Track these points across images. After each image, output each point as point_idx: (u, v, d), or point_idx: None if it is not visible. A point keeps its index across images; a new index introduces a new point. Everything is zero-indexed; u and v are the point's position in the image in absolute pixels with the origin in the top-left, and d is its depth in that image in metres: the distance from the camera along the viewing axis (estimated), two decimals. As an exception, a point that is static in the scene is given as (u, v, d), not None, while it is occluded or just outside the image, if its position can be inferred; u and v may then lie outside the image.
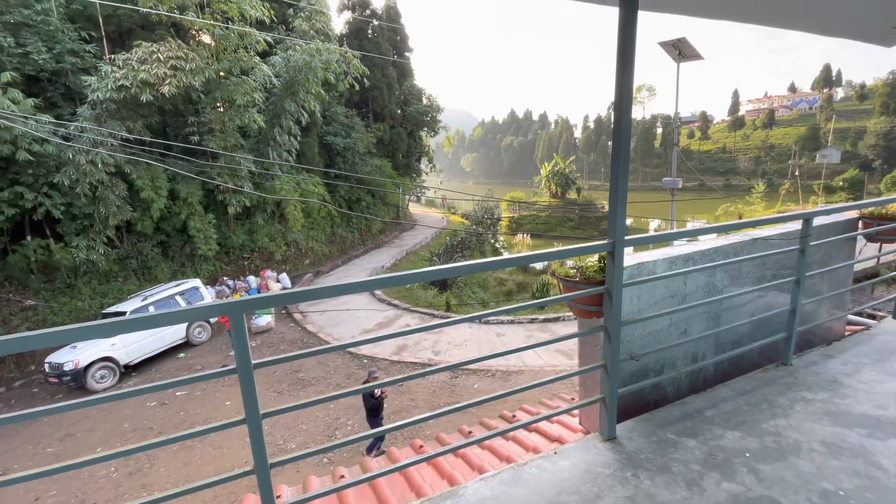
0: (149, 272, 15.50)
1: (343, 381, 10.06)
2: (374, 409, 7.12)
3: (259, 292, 16.42)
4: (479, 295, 18.09)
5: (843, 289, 3.46)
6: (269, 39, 16.64)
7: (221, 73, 15.70)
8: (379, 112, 28.32)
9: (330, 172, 23.05)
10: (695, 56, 11.99)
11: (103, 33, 14.58)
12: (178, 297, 12.57)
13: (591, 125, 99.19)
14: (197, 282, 13.55)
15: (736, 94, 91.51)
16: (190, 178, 15.00)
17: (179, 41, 14.69)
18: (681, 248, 2.87)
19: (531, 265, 29.30)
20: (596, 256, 2.28)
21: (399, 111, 29.78)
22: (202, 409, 9.38)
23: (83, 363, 10.43)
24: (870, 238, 3.50)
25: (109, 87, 13.11)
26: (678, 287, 2.72)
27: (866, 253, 6.17)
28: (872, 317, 4.07)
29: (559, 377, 2.22)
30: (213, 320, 13.37)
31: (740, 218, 40.78)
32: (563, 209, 42.95)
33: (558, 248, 1.93)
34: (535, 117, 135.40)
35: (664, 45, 11.72)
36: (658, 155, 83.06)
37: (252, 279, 16.73)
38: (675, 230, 2.29)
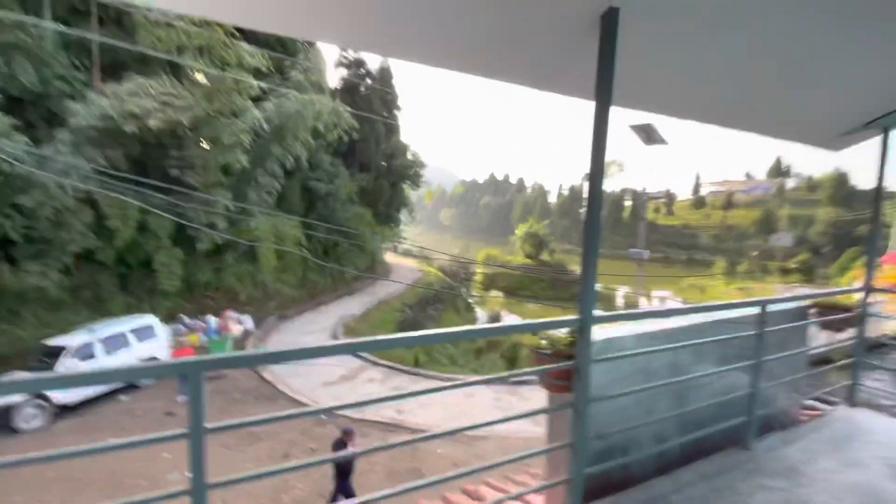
0: (102, 305, 14.63)
1: (297, 437, 9.42)
2: (345, 472, 6.54)
3: (219, 334, 15.63)
4: (448, 350, 17.76)
5: (798, 374, 3.59)
6: (264, 86, 17.18)
7: (211, 113, 15.94)
8: (365, 163, 29.03)
9: (309, 216, 23.07)
10: (660, 141, 13.04)
11: (97, 63, 14.75)
12: (129, 334, 11.82)
13: (566, 192, 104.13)
14: (152, 319, 12.85)
15: (697, 177, 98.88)
16: (162, 210, 14.66)
17: (173, 78, 14.98)
18: (648, 325, 2.96)
19: (501, 321, 29.24)
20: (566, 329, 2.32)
21: (384, 163, 30.63)
22: (137, 461, 8.51)
23: (11, 400, 9.45)
24: (822, 326, 3.69)
25: (94, 114, 13.07)
26: (644, 363, 2.77)
27: (819, 340, 6.49)
28: (827, 402, 4.20)
29: (526, 455, 2.16)
30: (164, 357, 12.54)
31: (703, 291, 42.51)
32: (535, 270, 43.76)
33: (529, 321, 1.96)
34: (513, 181, 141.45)
35: (634, 128, 12.75)
36: (626, 225, 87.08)
37: (212, 319, 15.98)
38: (644, 310, 2.37)
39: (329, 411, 1.69)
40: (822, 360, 7.08)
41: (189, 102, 14.70)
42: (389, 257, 34.91)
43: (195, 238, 16.09)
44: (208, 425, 1.36)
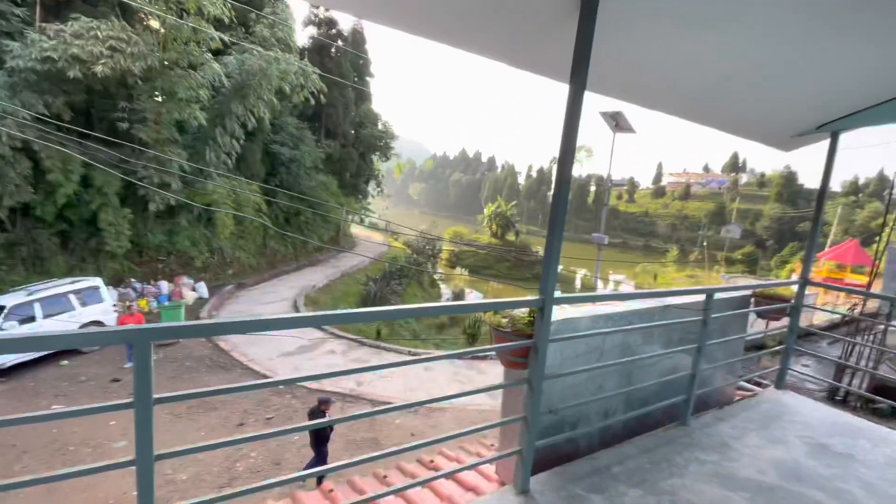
0: (41, 264, 13.64)
1: (253, 406, 9.32)
2: (322, 439, 6.59)
3: (170, 300, 15.01)
4: (410, 325, 17.89)
5: (735, 358, 3.87)
6: (226, 39, 16.05)
7: (166, 63, 14.77)
8: (332, 129, 28.02)
9: (270, 182, 22.17)
10: (629, 129, 13.32)
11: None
12: (72, 297, 11.13)
13: (534, 174, 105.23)
14: (97, 281, 12.12)
15: (660, 167, 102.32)
16: (108, 165, 13.65)
17: (124, 22, 13.71)
18: (602, 307, 3.08)
19: (465, 298, 29.69)
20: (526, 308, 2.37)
21: (353, 132, 29.68)
22: (80, 426, 8.17)
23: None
24: (759, 315, 3.97)
25: (34, 56, 11.82)
26: (597, 343, 2.91)
27: (757, 328, 7.03)
28: (759, 384, 4.58)
29: (480, 428, 2.23)
30: (109, 322, 11.93)
31: (655, 277, 44.71)
32: (501, 250, 44.43)
33: (491, 300, 1.99)
34: (484, 159, 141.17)
35: (604, 115, 12.94)
36: (589, 210, 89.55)
37: (164, 284, 15.30)
38: (601, 293, 2.44)
39: (288, 383, 1.67)
40: (758, 345, 7.71)
41: (142, 49, 13.53)
42: (355, 229, 34.31)
43: (147, 198, 15.14)
44: (156, 395, 1.31)
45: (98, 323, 11.53)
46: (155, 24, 14.92)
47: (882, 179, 75.24)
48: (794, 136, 3.74)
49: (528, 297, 2.15)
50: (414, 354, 12.48)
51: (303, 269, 21.83)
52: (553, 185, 2.07)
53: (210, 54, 15.75)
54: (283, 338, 13.01)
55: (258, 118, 18.09)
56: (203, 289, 15.99)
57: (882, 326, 6.74)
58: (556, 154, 2.06)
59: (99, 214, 14.30)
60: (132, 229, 15.13)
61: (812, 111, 3.34)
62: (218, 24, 15.98)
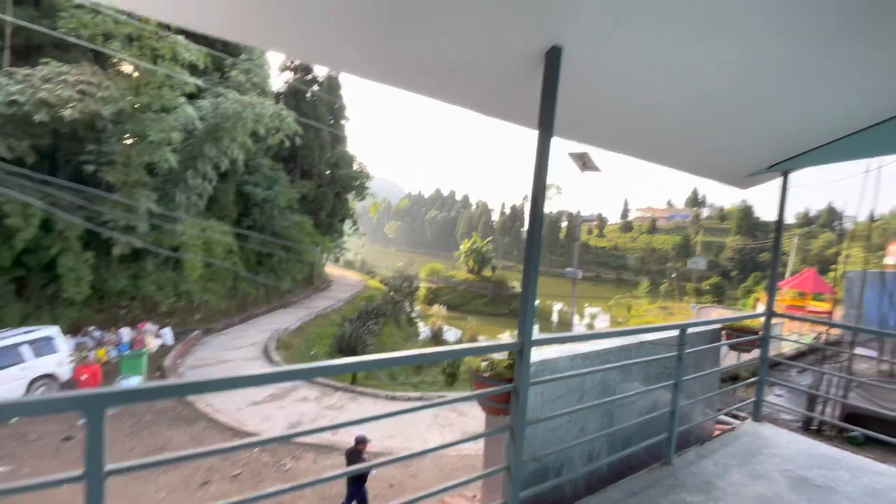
0: (-9, 313, 12.76)
1: (218, 462, 8.68)
2: (360, 478, 6.37)
3: (132, 348, 14.18)
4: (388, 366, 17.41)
5: (712, 391, 3.91)
6: (200, 83, 16.19)
7: (137, 107, 14.70)
8: (307, 170, 28.14)
9: (243, 222, 21.85)
10: (595, 168, 13.93)
11: (8, 44, 13.15)
12: (24, 347, 10.38)
13: (508, 211, 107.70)
14: (53, 330, 11.38)
15: (626, 203, 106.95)
16: (70, 210, 13.20)
17: (96, 67, 13.68)
18: (580, 345, 3.08)
19: (444, 336, 29.31)
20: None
21: (328, 172, 29.89)
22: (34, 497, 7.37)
23: None
24: (731, 347, 4.06)
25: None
26: (578, 383, 2.89)
27: (729, 359, 7.18)
28: (736, 417, 4.61)
29: (463, 482, 2.13)
30: (64, 375, 11.13)
31: (629, 309, 45.50)
32: (478, 285, 44.57)
33: (469, 345, 1.95)
34: (459, 197, 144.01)
35: (572, 155, 13.53)
36: (562, 245, 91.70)
37: (126, 332, 14.49)
38: (579, 333, 2.45)
39: (267, 443, 1.56)
40: (732, 376, 7.84)
41: (113, 93, 13.45)
42: (330, 269, 33.83)
43: (111, 241, 14.59)
44: (109, 467, 1.20)
45: (51, 376, 10.72)
46: (129, 68, 14.95)
47: (831, 211, 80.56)
48: (749, 175, 3.98)
49: (507, 341, 2.13)
50: (392, 398, 12.06)
51: (275, 311, 21.18)
52: (527, 227, 2.11)
53: (184, 98, 15.80)
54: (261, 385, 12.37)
55: (232, 160, 18.02)
56: (168, 335, 15.22)
57: (848, 352, 7.00)
58: (529, 192, 2.11)
59: (59, 259, 13.64)
60: (94, 274, 14.45)
61: (764, 152, 3.57)
62: (193, 69, 16.15)
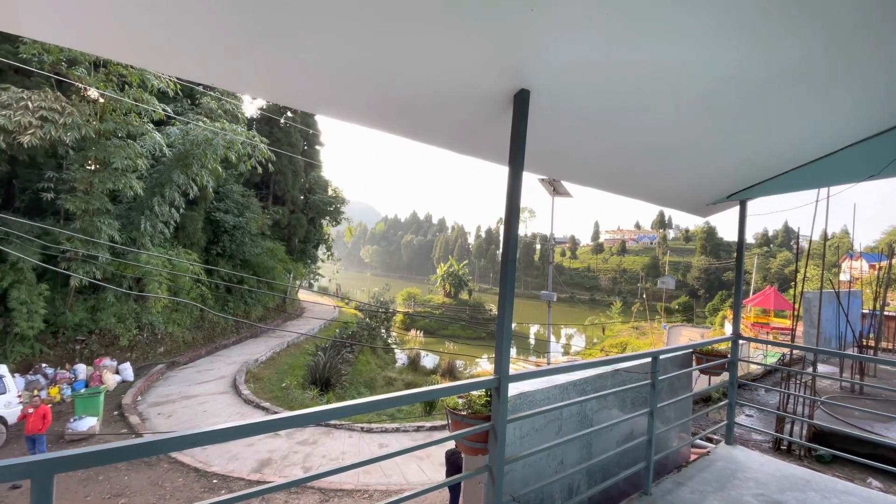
0: (-72, 352, 11.77)
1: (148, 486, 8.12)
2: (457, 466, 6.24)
3: (88, 385, 13.30)
4: (364, 396, 16.92)
5: (686, 416, 3.96)
6: (169, 110, 15.93)
7: (101, 133, 14.28)
8: (280, 196, 27.80)
9: (212, 250, 21.24)
10: (566, 194, 14.32)
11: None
12: (-36, 390, 9.58)
13: (483, 234, 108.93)
14: (1, 369, 10.57)
15: (596, 225, 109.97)
16: (27, 239, 12.52)
17: (59, 93, 13.28)
18: (558, 376, 3.08)
19: (421, 363, 28.83)
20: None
21: (302, 197, 29.59)
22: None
23: None
24: (702, 371, 4.15)
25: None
26: (556, 415, 2.87)
27: (701, 382, 7.33)
28: (710, 440, 4.67)
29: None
30: (12, 417, 10.30)
31: (604, 330, 46.15)
32: (455, 309, 44.41)
33: (446, 385, 1.92)
34: (435, 220, 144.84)
35: (542, 181, 13.86)
36: (536, 267, 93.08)
37: (82, 368, 13.62)
38: (554, 367, 2.47)
39: (315, 479, 1.47)
40: (704, 398, 7.99)
41: (76, 120, 13.04)
42: (303, 295, 33.06)
43: (69, 272, 13.85)
44: (51, 543, 1.09)
45: (-5, 418, 9.91)
46: (94, 94, 14.58)
47: (787, 231, 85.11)
48: (709, 204, 4.17)
49: (484, 378, 2.11)
50: (368, 430, 11.67)
51: (244, 341, 20.41)
52: (500, 263, 2.13)
53: (152, 124, 15.47)
54: (217, 418, 11.78)
55: (201, 186, 17.62)
56: (128, 371, 14.37)
57: (810, 372, 7.27)
58: (502, 216, 2.14)
59: (10, 292, 12.80)
60: (48, 307, 13.61)
61: (723, 183, 3.76)
62: (162, 95, 15.89)
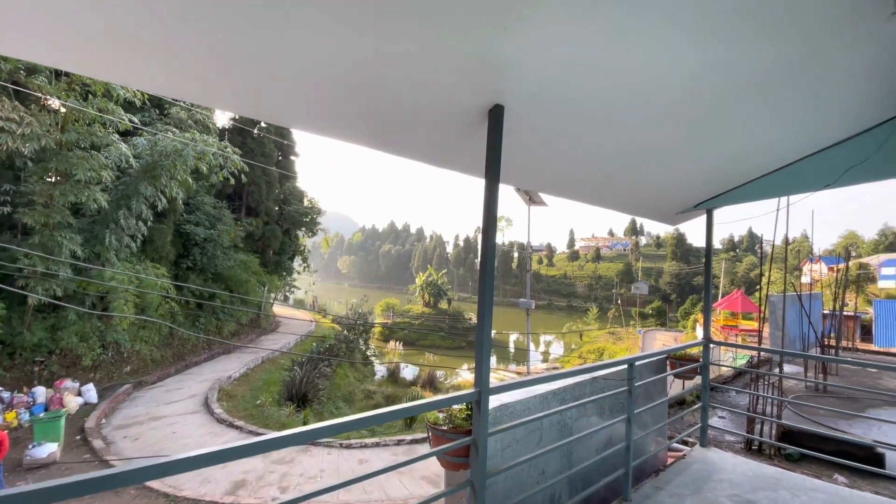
0: None
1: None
2: None
3: (47, 409, 12.56)
4: (343, 411, 16.59)
5: (662, 420, 4.04)
6: (136, 120, 15.46)
7: (63, 144, 13.71)
8: (254, 207, 27.24)
9: (182, 264, 20.58)
10: (541, 203, 14.56)
11: None
12: None
13: (461, 243, 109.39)
14: (-53, 396, 9.88)
15: (572, 233, 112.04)
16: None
17: (16, 103, 12.71)
18: (537, 386, 3.10)
19: (401, 375, 28.51)
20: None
21: (277, 209, 29.07)
22: None
23: None
24: (676, 375, 4.25)
25: None
26: (536, 425, 2.88)
27: (675, 385, 7.51)
28: (685, 443, 4.77)
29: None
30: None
31: (581, 336, 46.82)
32: (435, 318, 44.25)
33: (427, 400, 1.91)
34: (413, 230, 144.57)
35: (519, 191, 14.06)
36: (515, 275, 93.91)
37: (41, 391, 12.87)
38: (535, 376, 2.48)
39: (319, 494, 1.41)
40: (679, 401, 8.19)
41: (35, 130, 12.48)
42: (279, 309, 32.31)
43: (26, 288, 13.13)
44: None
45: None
46: (56, 104, 14.01)
47: (752, 236, 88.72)
48: (677, 213, 4.32)
49: (464, 392, 2.10)
50: (346, 446, 11.42)
51: (217, 357, 19.74)
52: (479, 275, 2.13)
53: (118, 135, 14.96)
54: (188, 439, 11.32)
55: (170, 198, 17.09)
56: (91, 392, 13.66)
57: (777, 373, 7.55)
58: (480, 225, 2.15)
59: (-41, 313, 12.05)
60: (4, 327, 12.85)
61: (690, 193, 3.91)
62: (129, 105, 15.41)
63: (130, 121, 14.92)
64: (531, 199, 14.12)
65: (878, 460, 4.48)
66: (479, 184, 2.27)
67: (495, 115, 2.03)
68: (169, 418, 12.65)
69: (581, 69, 1.83)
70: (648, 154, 2.91)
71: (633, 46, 1.72)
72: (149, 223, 16.78)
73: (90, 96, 13.90)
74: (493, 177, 2.12)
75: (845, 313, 14.71)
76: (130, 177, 15.96)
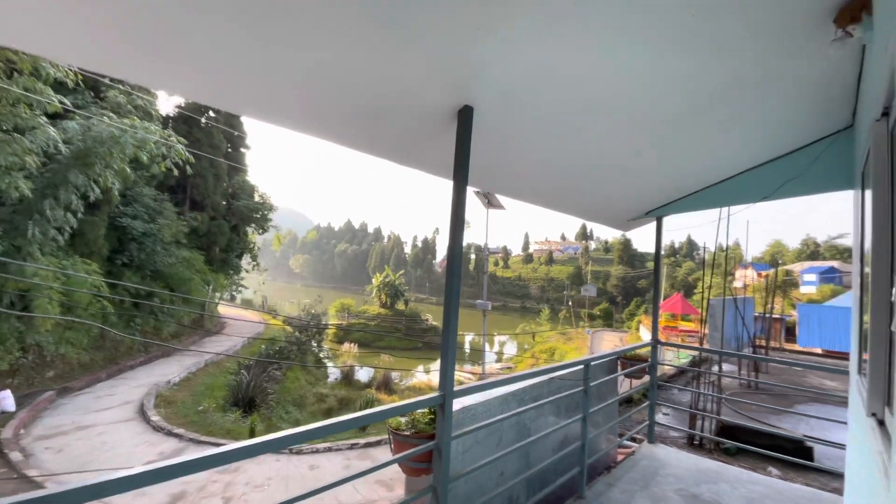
0: None
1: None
2: None
3: (-49, 421, 11.18)
4: (293, 416, 16.00)
5: (613, 419, 4.20)
6: (67, 103, 14.14)
7: (-22, 124, 12.30)
8: (199, 201, 25.74)
9: (117, 259, 19.07)
10: (499, 206, 14.82)
11: None
12: None
13: (420, 244, 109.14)
14: None
15: (527, 236, 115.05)
16: None
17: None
18: (498, 388, 3.12)
19: (356, 377, 27.96)
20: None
21: (224, 203, 27.64)
22: None
23: None
24: (627, 375, 4.43)
25: None
26: (496, 426, 2.90)
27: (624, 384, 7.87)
28: (634, 440, 4.99)
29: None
30: None
31: (534, 336, 48.08)
32: (392, 319, 43.81)
33: (390, 406, 1.85)
34: (370, 230, 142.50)
35: (478, 194, 14.24)
36: (472, 277, 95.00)
37: (-56, 401, 11.46)
38: (498, 378, 2.48)
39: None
40: (627, 400, 8.59)
41: (-58, 108, 11.11)
42: (225, 309, 30.70)
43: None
44: None
45: None
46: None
47: (691, 243, 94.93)
48: (629, 220, 4.52)
49: (429, 396, 2.06)
50: (297, 451, 11.01)
51: (155, 361, 18.43)
52: (445, 278, 2.10)
53: (45, 118, 13.61)
54: (119, 450, 10.47)
55: (104, 189, 15.77)
56: (8, 399, 12.30)
57: (716, 371, 8.11)
58: (439, 225, 2.13)
59: None
60: None
61: (641, 201, 4.09)
62: (60, 86, 14.06)
63: (61, 102, 13.62)
64: (490, 202, 14.32)
65: (807, 453, 4.90)
66: (440, 185, 2.27)
67: (464, 116, 2.01)
68: (98, 427, 11.64)
69: (548, 76, 1.85)
70: (606, 162, 3.02)
71: (599, 58, 1.76)
72: (79, 215, 15.39)
73: (15, 74, 12.58)
74: (461, 179, 2.10)
75: (774, 316, 16.07)
76: (59, 164, 14.57)
